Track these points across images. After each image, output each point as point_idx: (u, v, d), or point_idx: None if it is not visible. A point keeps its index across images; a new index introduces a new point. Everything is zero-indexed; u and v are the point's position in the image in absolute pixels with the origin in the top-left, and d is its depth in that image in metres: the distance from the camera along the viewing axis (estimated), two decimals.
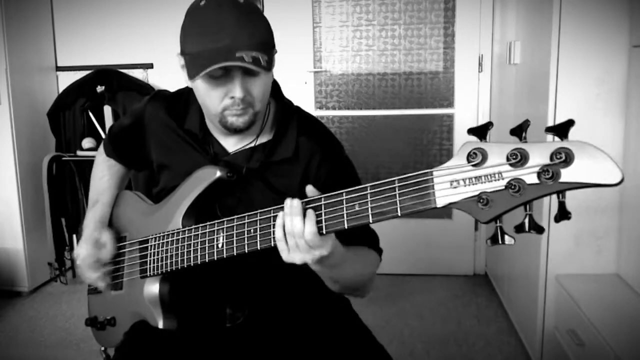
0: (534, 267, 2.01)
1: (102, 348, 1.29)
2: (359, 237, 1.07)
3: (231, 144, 1.14)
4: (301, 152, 1.11)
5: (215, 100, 1.02)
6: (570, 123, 0.66)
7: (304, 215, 0.86)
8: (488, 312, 2.63)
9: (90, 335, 1.29)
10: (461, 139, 2.98)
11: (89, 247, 1.15)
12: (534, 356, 2.08)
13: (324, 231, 0.86)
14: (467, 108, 2.97)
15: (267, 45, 0.98)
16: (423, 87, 3.01)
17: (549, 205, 1.82)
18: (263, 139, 1.13)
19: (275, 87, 1.17)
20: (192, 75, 0.98)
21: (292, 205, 0.87)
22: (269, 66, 0.97)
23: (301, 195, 1.09)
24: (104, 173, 1.31)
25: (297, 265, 1.15)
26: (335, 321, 1.18)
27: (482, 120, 2.95)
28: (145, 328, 1.13)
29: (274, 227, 0.90)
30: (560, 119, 1.83)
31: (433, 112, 3.02)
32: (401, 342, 2.37)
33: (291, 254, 0.88)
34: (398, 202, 0.77)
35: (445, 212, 3.05)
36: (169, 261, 1.07)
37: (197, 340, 1.15)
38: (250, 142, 1.13)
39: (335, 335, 1.14)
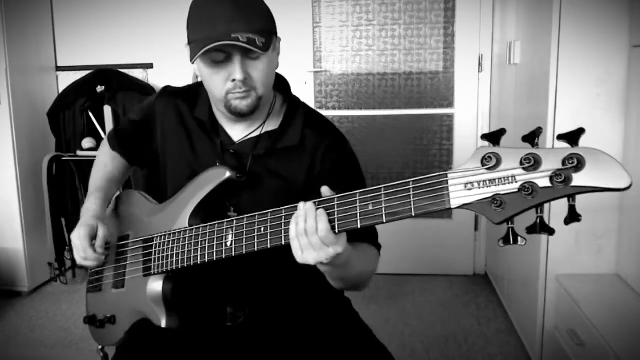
0: (534, 267, 2.01)
1: (100, 347, 1.29)
2: (360, 233, 1.08)
3: (238, 133, 1.16)
4: (307, 142, 1.13)
5: (219, 84, 1.05)
6: (580, 131, 0.69)
7: (316, 215, 0.86)
8: (488, 312, 2.63)
9: (90, 335, 1.29)
10: (461, 139, 2.99)
11: (84, 235, 1.15)
12: (534, 356, 2.08)
13: (336, 230, 0.86)
14: (467, 108, 2.97)
15: (264, 31, 1.02)
16: (423, 87, 3.01)
17: (548, 207, 1.82)
18: (269, 127, 1.15)
19: (283, 81, 1.19)
20: (191, 57, 1.02)
21: (305, 207, 0.88)
22: (266, 47, 1.01)
23: (307, 183, 1.11)
24: (108, 162, 1.32)
25: (297, 265, 1.16)
26: (336, 320, 1.18)
27: (482, 121, 2.96)
28: (146, 326, 1.13)
29: (285, 226, 0.92)
30: (560, 119, 1.84)
31: (433, 112, 3.02)
32: (401, 342, 2.37)
33: (305, 254, 0.88)
34: (412, 202, 0.79)
35: (446, 212, 3.04)
36: (174, 259, 1.07)
37: (198, 339, 1.15)
38: (256, 130, 1.14)
39: (336, 335, 1.14)
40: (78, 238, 1.15)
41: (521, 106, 2.29)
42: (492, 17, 2.87)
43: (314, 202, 0.88)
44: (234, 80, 1.03)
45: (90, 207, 1.22)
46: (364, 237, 1.10)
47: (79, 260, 1.17)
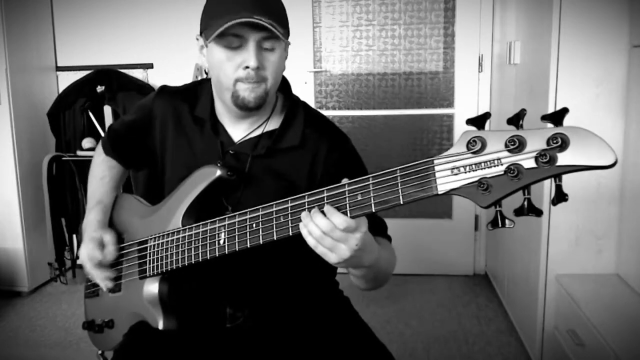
0: (534, 267, 2.01)
1: (100, 352, 1.29)
2: (372, 226, 1.08)
3: (239, 132, 1.15)
4: (308, 142, 1.12)
5: (230, 71, 1.04)
6: (564, 111, 0.69)
7: (326, 212, 0.84)
8: (488, 312, 2.63)
9: None
10: None
11: (92, 247, 1.14)
12: (534, 356, 2.08)
13: None
14: (467, 108, 2.98)
15: (282, 23, 1.03)
16: (423, 87, 3.01)
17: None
18: (270, 127, 1.14)
19: (284, 81, 1.19)
20: (208, 36, 1.02)
21: (309, 214, 0.85)
22: (285, 36, 1.03)
23: (309, 183, 1.10)
24: (105, 174, 1.29)
25: (297, 264, 1.16)
26: (336, 320, 1.18)
27: None
28: (144, 329, 1.12)
29: (276, 221, 0.90)
30: None
31: (433, 112, 3.02)
32: (401, 342, 2.37)
33: (336, 253, 0.85)
34: (400, 190, 0.78)
35: (445, 212, 3.05)
36: (169, 260, 1.06)
37: (197, 341, 1.15)
38: (257, 129, 1.14)
39: (336, 335, 1.14)
40: (87, 256, 1.14)
41: (521, 106, 2.27)
42: (492, 17, 2.87)
43: (305, 195, 0.87)
44: (246, 67, 1.02)
45: (93, 219, 1.19)
46: (375, 230, 1.09)
47: (97, 278, 1.15)
